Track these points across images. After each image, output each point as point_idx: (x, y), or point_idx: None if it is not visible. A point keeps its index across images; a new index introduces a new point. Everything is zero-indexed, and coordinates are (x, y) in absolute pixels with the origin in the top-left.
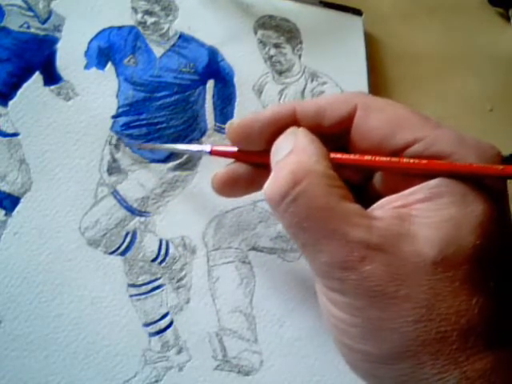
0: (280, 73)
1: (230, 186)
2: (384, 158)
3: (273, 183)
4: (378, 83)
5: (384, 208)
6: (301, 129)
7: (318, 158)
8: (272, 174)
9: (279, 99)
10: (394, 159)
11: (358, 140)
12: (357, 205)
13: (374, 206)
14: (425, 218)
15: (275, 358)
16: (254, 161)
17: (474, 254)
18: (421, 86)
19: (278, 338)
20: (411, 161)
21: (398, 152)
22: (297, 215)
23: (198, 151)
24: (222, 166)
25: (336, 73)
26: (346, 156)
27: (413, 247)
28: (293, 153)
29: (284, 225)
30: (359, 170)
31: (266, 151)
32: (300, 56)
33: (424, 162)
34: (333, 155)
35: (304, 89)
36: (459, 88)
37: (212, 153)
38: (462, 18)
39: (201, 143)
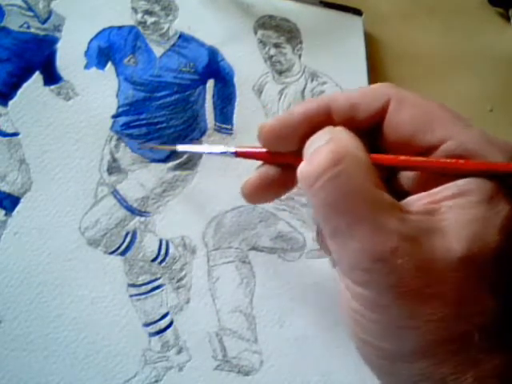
0: (280, 73)
1: (263, 191)
2: (420, 158)
3: (310, 162)
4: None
5: (414, 204)
6: (338, 126)
7: (358, 146)
8: (307, 158)
9: (279, 99)
10: (431, 159)
11: (389, 133)
12: (391, 196)
13: (403, 201)
14: (453, 214)
15: (275, 358)
16: (284, 161)
17: (498, 254)
18: (421, 85)
19: (277, 338)
20: (448, 160)
21: (430, 148)
22: (332, 195)
23: (222, 153)
24: (223, 167)
25: (336, 73)
26: (381, 156)
27: (443, 242)
28: (331, 140)
29: (316, 205)
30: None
31: (297, 151)
32: (300, 56)
33: (461, 161)
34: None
35: (304, 88)
36: (459, 88)
37: (238, 154)
38: (462, 18)
39: (201, 143)
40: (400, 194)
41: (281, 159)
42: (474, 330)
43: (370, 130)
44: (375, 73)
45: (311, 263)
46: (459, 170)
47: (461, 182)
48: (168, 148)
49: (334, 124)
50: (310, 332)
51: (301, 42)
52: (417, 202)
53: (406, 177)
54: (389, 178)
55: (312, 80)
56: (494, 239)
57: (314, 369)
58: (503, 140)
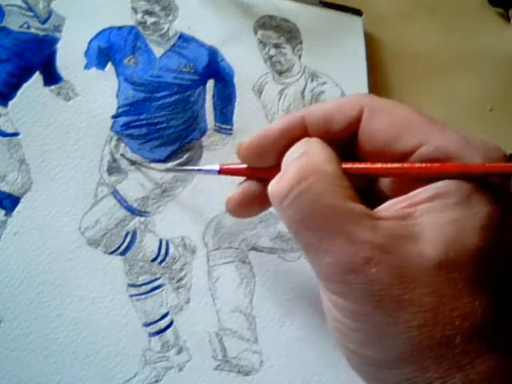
0: (280, 73)
1: (247, 206)
2: (396, 165)
3: (278, 181)
4: (377, 83)
5: (389, 209)
6: (314, 138)
7: (326, 159)
8: (277, 176)
9: (279, 99)
10: (406, 165)
11: (364, 142)
12: (362, 205)
13: (380, 207)
14: (428, 218)
15: (275, 358)
16: (265, 176)
17: (478, 256)
18: (421, 85)
19: (277, 338)
20: (423, 165)
21: (406, 154)
22: (301, 212)
23: (207, 171)
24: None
25: (336, 73)
26: (357, 165)
27: (417, 248)
28: (302, 155)
29: (286, 222)
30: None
31: (277, 165)
32: (300, 56)
33: (437, 165)
34: (344, 165)
35: (304, 89)
36: (459, 88)
37: (221, 172)
38: (462, 18)
39: (201, 143)
40: (381, 199)
41: (261, 174)
42: (457, 334)
43: (345, 140)
44: (375, 73)
45: None
46: (435, 173)
47: (437, 185)
48: (156, 169)
49: (310, 137)
50: (310, 332)
51: (301, 42)
52: (393, 206)
53: (386, 182)
54: (370, 185)
55: (312, 80)
56: (472, 241)
57: (314, 369)
58: (481, 140)
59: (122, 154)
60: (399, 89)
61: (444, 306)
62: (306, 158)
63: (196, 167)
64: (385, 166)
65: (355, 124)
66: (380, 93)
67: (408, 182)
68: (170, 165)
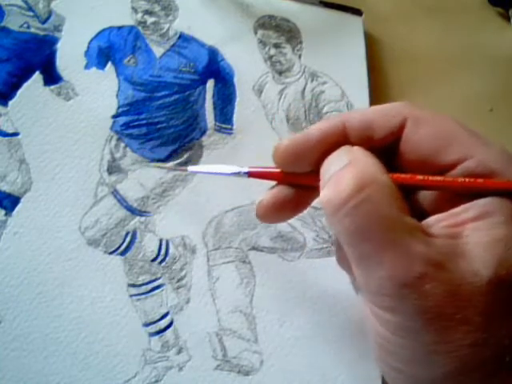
0: (280, 73)
1: (278, 212)
2: (438, 178)
3: (333, 188)
4: (377, 83)
5: (434, 226)
6: (356, 147)
7: (379, 169)
8: (327, 184)
9: (279, 99)
10: (449, 179)
11: (406, 153)
12: (414, 219)
13: (423, 223)
14: (478, 237)
15: (275, 358)
16: (299, 182)
17: None
18: (421, 85)
19: (278, 338)
20: (467, 180)
21: (448, 167)
22: (358, 222)
23: (234, 173)
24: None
25: (336, 73)
26: (398, 175)
27: (470, 267)
28: (352, 163)
29: (341, 232)
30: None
31: (312, 172)
32: (300, 56)
33: (480, 181)
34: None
35: (304, 89)
36: (459, 88)
37: (250, 175)
38: (462, 18)
39: (201, 143)
40: (418, 212)
41: (295, 180)
42: (506, 353)
43: (385, 148)
44: (375, 73)
45: (311, 263)
46: (478, 189)
47: (481, 203)
48: (180, 169)
49: (350, 143)
50: (310, 332)
51: (301, 42)
52: (437, 223)
53: (424, 195)
54: (406, 197)
55: (312, 80)
56: None
57: (314, 369)
58: None
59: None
60: (399, 89)
61: (495, 325)
62: (360, 167)
63: (221, 170)
64: (429, 178)
65: (397, 133)
66: (380, 93)
67: (448, 198)
68: (171, 164)
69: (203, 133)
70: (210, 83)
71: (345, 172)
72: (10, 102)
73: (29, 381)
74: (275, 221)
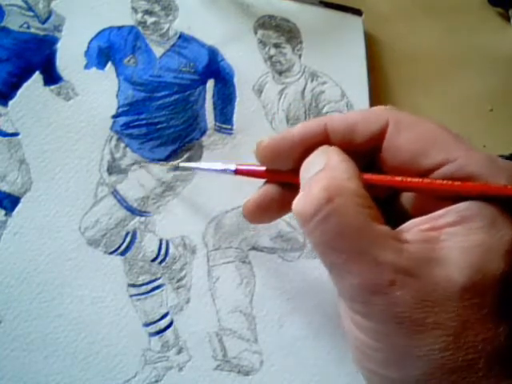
0: (280, 73)
1: (264, 211)
2: (416, 179)
3: (303, 199)
4: (378, 83)
5: (412, 230)
6: (333, 147)
7: (350, 176)
8: (302, 190)
9: (279, 99)
10: (427, 180)
11: (388, 157)
12: (387, 226)
13: (402, 227)
14: (454, 242)
15: (275, 358)
16: (282, 180)
17: (502, 281)
18: (421, 85)
19: (278, 338)
20: (445, 182)
21: (430, 171)
22: (327, 233)
23: (222, 170)
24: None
25: (336, 73)
26: (376, 176)
27: (443, 272)
28: (325, 170)
29: (312, 242)
30: (388, 188)
31: (295, 170)
32: (300, 56)
33: (458, 183)
34: (365, 176)
35: (304, 88)
36: (459, 88)
37: (237, 172)
38: (462, 18)
39: (201, 143)
40: (401, 213)
41: (279, 177)
42: (480, 358)
43: (368, 152)
44: (375, 73)
45: (311, 263)
46: (456, 191)
47: (461, 207)
48: (169, 165)
49: (331, 145)
50: (310, 332)
51: (301, 42)
52: (415, 227)
53: (407, 196)
54: (391, 198)
55: (312, 80)
56: (497, 266)
57: (314, 369)
58: (508, 162)
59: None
60: (399, 89)
61: (467, 330)
62: (330, 175)
63: (210, 166)
64: (405, 179)
65: (379, 137)
66: (380, 93)
67: (430, 199)
68: (180, 162)
69: (203, 133)
70: (210, 83)
71: (316, 180)
72: (10, 102)
73: (29, 381)
74: (262, 221)
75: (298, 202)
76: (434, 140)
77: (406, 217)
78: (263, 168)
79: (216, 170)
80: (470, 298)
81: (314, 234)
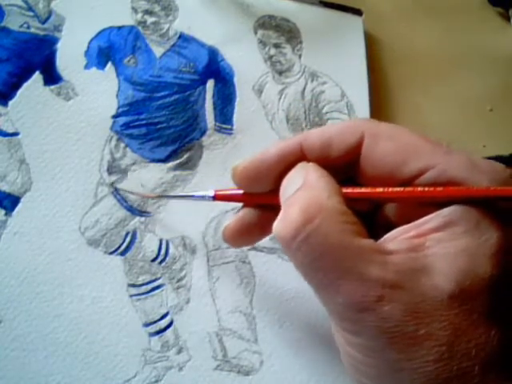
0: (280, 73)
1: (245, 235)
2: (397, 189)
3: (283, 221)
4: (378, 83)
5: (397, 239)
6: (311, 163)
7: (329, 194)
8: (282, 212)
9: (279, 99)
10: (408, 189)
11: (367, 169)
12: (371, 240)
13: (386, 236)
14: (439, 248)
15: (275, 358)
16: (261, 202)
17: (491, 285)
18: (421, 86)
19: (278, 338)
20: (426, 189)
21: (410, 180)
22: (309, 254)
23: (201, 196)
24: (223, 167)
25: (336, 73)
26: (357, 190)
27: (430, 281)
28: (303, 188)
29: (296, 264)
30: (370, 200)
31: (274, 191)
32: (300, 56)
33: (439, 189)
34: (344, 190)
35: (304, 89)
36: (459, 88)
37: (216, 198)
38: (462, 18)
39: (201, 143)
40: (386, 223)
41: (258, 200)
42: (474, 365)
43: (345, 166)
44: (375, 73)
45: None
46: (439, 197)
47: (445, 212)
48: (149, 196)
49: (309, 161)
50: (310, 332)
51: (301, 42)
52: (400, 235)
53: (391, 207)
54: (375, 210)
55: (312, 80)
56: (485, 270)
57: (314, 369)
58: (488, 162)
59: (113, 186)
60: (399, 89)
61: (459, 338)
62: (308, 194)
63: (189, 194)
64: (386, 190)
65: (355, 150)
66: (380, 93)
67: (413, 208)
68: (170, 164)
69: (203, 133)
70: (210, 83)
71: (294, 201)
72: (10, 102)
73: (29, 381)
74: (243, 244)
75: (277, 225)
76: (413, 148)
77: (390, 226)
78: (241, 192)
79: (194, 197)
80: (460, 304)
81: (295, 256)
